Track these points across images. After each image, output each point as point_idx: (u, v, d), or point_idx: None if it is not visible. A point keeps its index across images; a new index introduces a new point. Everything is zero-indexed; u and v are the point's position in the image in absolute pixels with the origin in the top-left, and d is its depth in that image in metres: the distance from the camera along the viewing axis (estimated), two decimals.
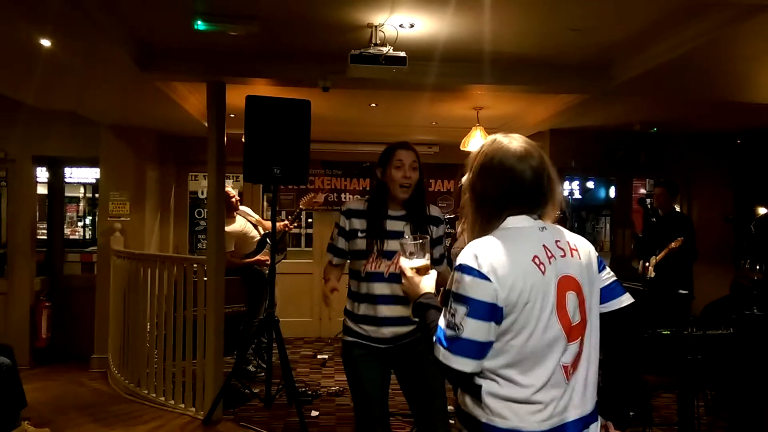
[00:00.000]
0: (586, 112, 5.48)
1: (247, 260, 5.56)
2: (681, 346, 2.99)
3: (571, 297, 1.47)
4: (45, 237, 6.88)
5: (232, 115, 4.91)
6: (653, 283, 5.20)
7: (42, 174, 6.86)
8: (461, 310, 1.41)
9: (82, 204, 12.61)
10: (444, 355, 1.43)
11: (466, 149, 5.98)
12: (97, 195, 10.95)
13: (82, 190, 12.23)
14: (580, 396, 1.48)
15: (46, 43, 3.49)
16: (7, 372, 3.96)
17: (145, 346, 5.04)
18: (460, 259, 1.45)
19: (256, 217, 6.02)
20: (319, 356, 6.53)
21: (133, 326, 5.13)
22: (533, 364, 1.42)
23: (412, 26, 3.52)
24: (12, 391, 3.98)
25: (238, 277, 5.55)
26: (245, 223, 5.73)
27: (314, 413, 4.71)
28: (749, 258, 2.78)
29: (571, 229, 1.68)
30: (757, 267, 2.57)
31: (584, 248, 1.57)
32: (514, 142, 1.55)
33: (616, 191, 7.44)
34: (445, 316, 1.47)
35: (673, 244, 5.19)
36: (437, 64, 4.01)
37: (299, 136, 4.33)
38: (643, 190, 11.01)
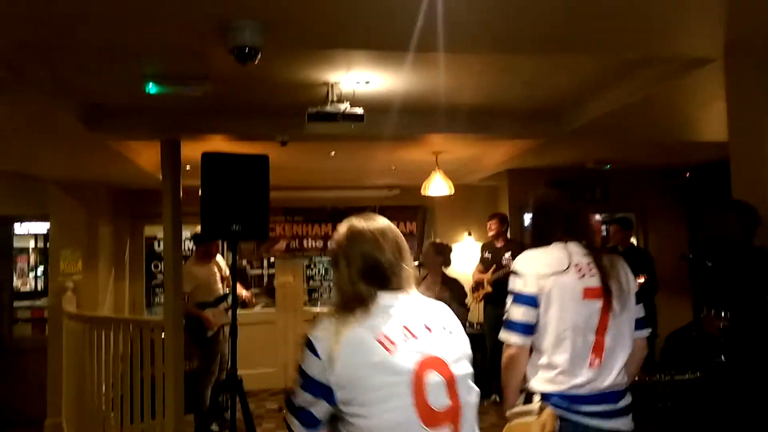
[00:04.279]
0: (542, 154, 5.60)
1: (195, 311, 5.30)
2: (651, 395, 3.00)
3: (433, 379, 1.41)
4: None
5: (188, 167, 4.81)
6: None
7: None
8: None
9: (33, 255, 12.13)
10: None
11: (426, 194, 6.01)
12: (48, 245, 10.61)
13: (32, 242, 11.77)
14: None
15: None
16: None
17: (102, 410, 4.80)
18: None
19: (227, 273, 5.75)
20: (284, 410, 6.33)
21: (89, 389, 4.90)
22: None
23: (368, 83, 3.53)
24: None
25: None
26: (215, 272, 5.56)
27: None
28: (710, 304, 2.80)
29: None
30: (722, 314, 2.60)
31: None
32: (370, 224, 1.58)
33: None
34: None
35: (637, 281, 5.25)
36: (394, 116, 4.04)
37: (258, 191, 4.23)
38: (598, 216, 11.28)
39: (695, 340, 3.41)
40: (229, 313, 4.59)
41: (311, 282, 7.78)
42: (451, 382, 1.42)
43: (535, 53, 3.05)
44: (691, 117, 4.41)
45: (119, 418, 4.63)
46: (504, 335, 2.09)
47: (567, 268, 2.05)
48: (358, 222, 1.57)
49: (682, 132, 4.88)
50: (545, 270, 2.06)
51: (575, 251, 2.10)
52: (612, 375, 2.06)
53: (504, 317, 2.11)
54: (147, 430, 4.51)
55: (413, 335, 1.43)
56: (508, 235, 6.15)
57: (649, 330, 2.21)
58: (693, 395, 3.07)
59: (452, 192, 5.96)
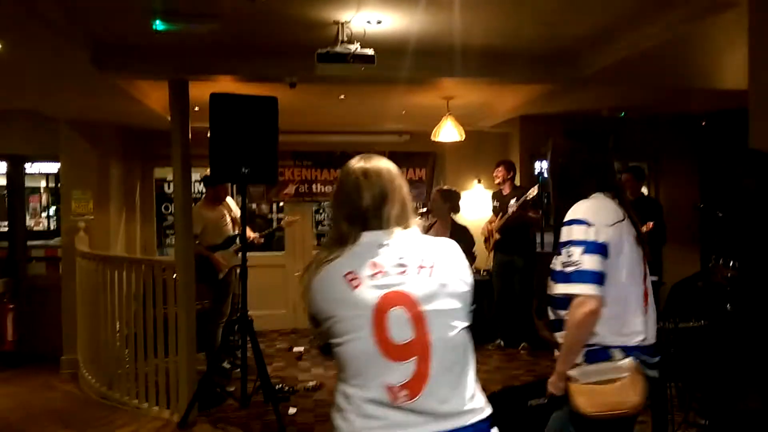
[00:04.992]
0: (555, 100, 5.50)
1: (206, 252, 5.37)
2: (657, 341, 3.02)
3: (396, 313, 1.47)
4: (6, 230, 6.68)
5: (196, 108, 4.77)
6: None
7: (1, 167, 6.65)
8: None
9: (44, 195, 12.27)
10: None
11: (436, 139, 5.95)
12: (60, 185, 10.71)
13: (43, 181, 11.89)
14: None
15: None
16: None
17: (116, 346, 4.95)
18: None
19: (237, 214, 5.74)
20: (294, 349, 6.50)
21: (102, 326, 5.03)
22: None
23: (379, 23, 3.45)
24: None
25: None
26: (225, 215, 5.60)
27: (292, 410, 4.68)
28: (719, 253, 2.80)
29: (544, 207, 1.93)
30: (730, 264, 2.59)
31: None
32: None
33: None
34: None
35: (643, 229, 5.25)
36: (406, 59, 3.95)
37: (267, 134, 4.22)
38: None
39: (701, 290, 3.43)
40: (239, 255, 4.67)
41: (320, 227, 7.83)
42: (417, 317, 1.47)
43: None
44: (710, 63, 4.29)
45: (133, 354, 4.77)
46: (579, 288, 1.95)
47: (623, 219, 2.07)
48: (352, 163, 1.66)
49: (700, 79, 4.77)
50: (610, 220, 2.03)
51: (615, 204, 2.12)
52: (654, 323, 2.10)
53: (568, 269, 1.97)
54: (160, 366, 4.65)
55: (383, 272, 1.50)
56: (516, 182, 6.13)
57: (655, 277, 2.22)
58: (697, 343, 3.10)
59: (463, 138, 5.90)
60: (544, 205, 6.13)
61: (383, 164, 1.66)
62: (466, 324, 1.56)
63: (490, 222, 6.21)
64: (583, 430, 2.02)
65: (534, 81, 4.64)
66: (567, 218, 2.05)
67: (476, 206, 7.00)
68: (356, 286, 1.49)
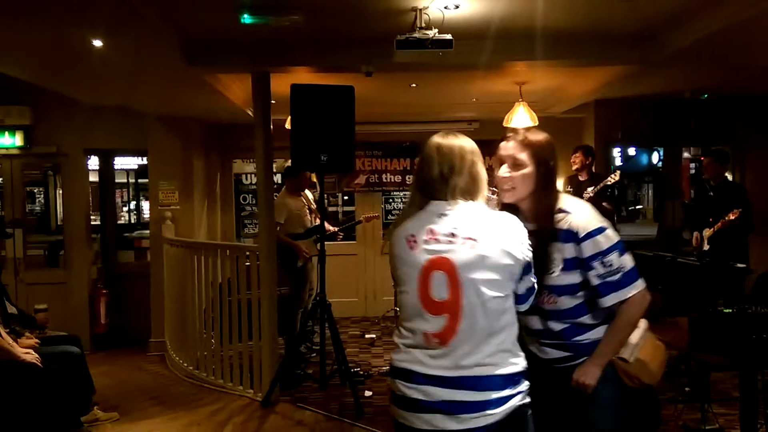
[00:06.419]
0: (634, 82, 5.33)
1: (290, 241, 5.54)
2: (745, 326, 2.93)
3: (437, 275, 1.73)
4: (97, 223, 7.12)
5: (273, 102, 4.94)
6: (708, 255, 5.08)
7: (92, 161, 7.06)
8: None
9: (128, 190, 12.94)
10: None
11: (509, 125, 5.90)
12: (140, 181, 11.27)
13: (125, 177, 12.54)
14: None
15: (98, 43, 3.57)
16: (77, 361, 4.15)
17: (201, 330, 5.20)
18: None
19: (313, 206, 5.92)
20: (367, 336, 6.62)
21: (189, 311, 5.30)
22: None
23: (457, 7, 3.46)
24: (82, 379, 4.18)
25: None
26: (305, 205, 5.79)
27: (368, 393, 4.80)
28: None
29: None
30: None
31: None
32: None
33: (663, 160, 7.26)
34: None
35: (731, 216, 5.05)
36: (484, 44, 3.93)
37: (344, 123, 4.33)
38: (687, 154, 10.68)
39: None
40: (318, 244, 4.82)
41: (389, 216, 7.92)
42: (454, 282, 1.71)
43: None
44: None
45: (218, 339, 5.00)
46: (634, 289, 1.97)
47: None
48: (432, 138, 1.86)
49: None
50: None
51: None
52: None
53: (615, 277, 1.95)
54: (244, 351, 4.85)
55: (436, 239, 1.74)
56: (593, 169, 5.98)
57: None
58: None
59: (536, 123, 5.83)
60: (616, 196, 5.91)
61: (457, 141, 1.84)
62: (507, 293, 1.75)
63: None
64: (636, 404, 2.17)
65: (614, 62, 4.51)
66: (583, 232, 1.95)
67: (566, 199, 6.88)
68: (413, 248, 1.76)
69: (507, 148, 2.04)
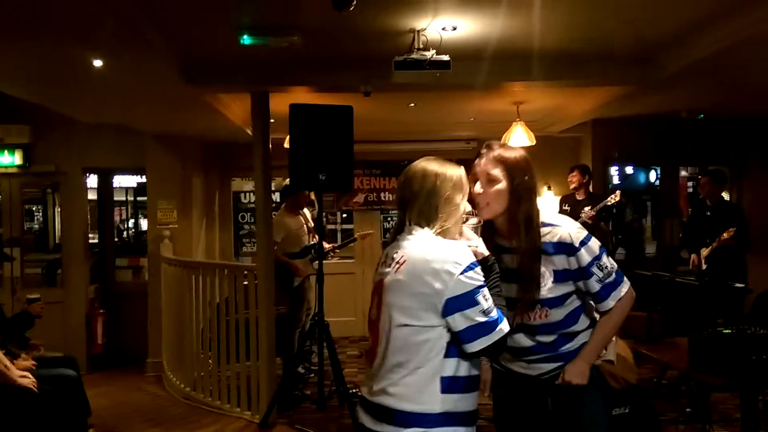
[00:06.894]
0: (632, 102, 5.36)
1: (286, 260, 5.52)
2: (745, 347, 2.92)
3: (376, 296, 1.80)
4: (94, 242, 7.11)
5: (272, 120, 4.97)
6: (706, 275, 5.08)
7: (91, 180, 7.07)
8: None
9: (127, 208, 12.95)
10: None
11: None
12: (138, 199, 11.28)
13: (123, 195, 12.56)
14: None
15: (98, 63, 3.59)
16: (73, 384, 4.11)
17: (199, 350, 5.16)
18: None
19: (311, 224, 5.92)
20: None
21: (186, 330, 5.26)
22: None
23: (454, 29, 3.49)
24: (78, 400, 4.13)
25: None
26: (303, 224, 5.79)
27: None
28: None
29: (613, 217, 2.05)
30: None
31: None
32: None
33: (661, 179, 7.28)
34: None
35: (725, 235, 5.07)
36: (481, 64, 3.96)
37: (342, 142, 4.35)
38: (684, 173, 10.70)
39: None
40: (315, 263, 4.81)
41: (387, 235, 7.90)
42: (380, 305, 1.77)
43: None
44: None
45: (216, 359, 4.96)
46: (625, 285, 2.03)
47: None
48: (414, 162, 1.88)
49: None
50: None
51: None
52: None
53: (611, 278, 1.99)
54: (242, 371, 4.81)
55: (385, 262, 1.81)
56: (590, 188, 5.99)
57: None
58: None
59: (533, 143, 5.85)
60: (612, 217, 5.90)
61: (420, 166, 1.81)
62: (424, 324, 1.68)
63: None
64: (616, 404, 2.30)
65: (612, 82, 4.55)
66: (577, 241, 1.98)
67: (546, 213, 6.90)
68: (378, 269, 1.85)
69: (480, 164, 2.03)
